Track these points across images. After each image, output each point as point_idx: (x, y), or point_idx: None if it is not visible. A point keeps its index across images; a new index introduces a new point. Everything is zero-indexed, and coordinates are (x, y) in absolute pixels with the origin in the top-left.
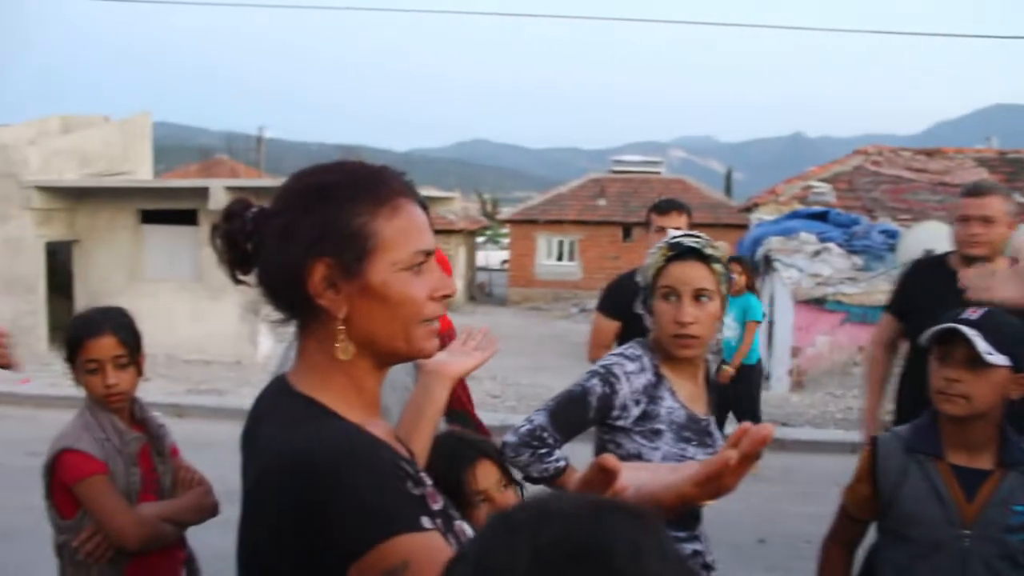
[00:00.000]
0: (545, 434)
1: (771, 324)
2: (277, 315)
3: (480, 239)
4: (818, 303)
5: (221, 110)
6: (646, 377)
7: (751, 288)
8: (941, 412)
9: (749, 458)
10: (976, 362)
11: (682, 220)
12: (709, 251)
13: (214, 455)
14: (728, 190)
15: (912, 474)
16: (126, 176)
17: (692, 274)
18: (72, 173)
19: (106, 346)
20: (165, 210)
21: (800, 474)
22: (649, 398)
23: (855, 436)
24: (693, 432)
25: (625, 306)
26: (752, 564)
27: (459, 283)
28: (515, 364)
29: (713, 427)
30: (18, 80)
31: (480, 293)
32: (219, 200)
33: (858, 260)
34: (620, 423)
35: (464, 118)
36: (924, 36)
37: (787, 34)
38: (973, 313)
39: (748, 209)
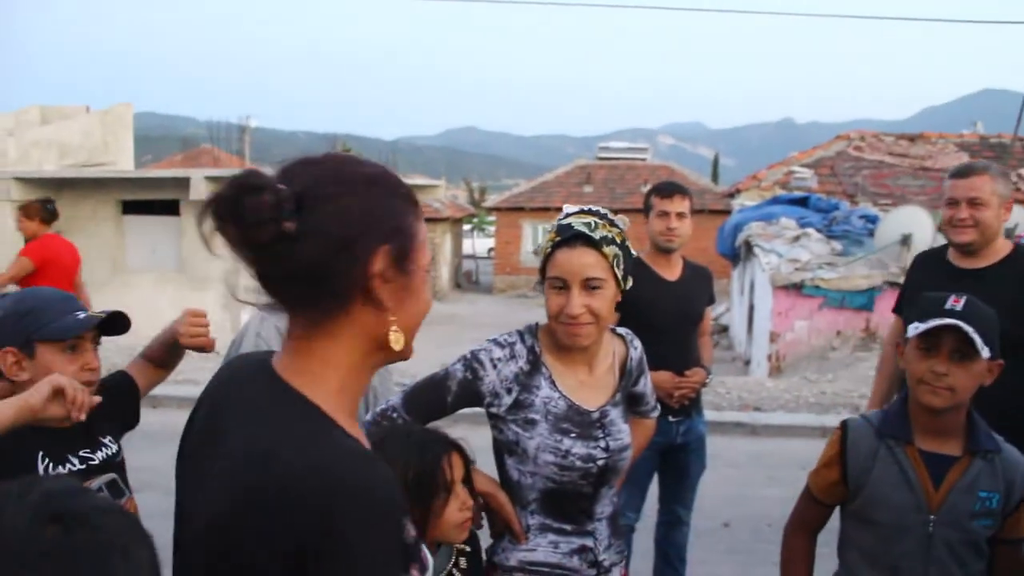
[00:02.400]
0: (395, 415)
1: (751, 309)
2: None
3: (467, 227)
4: (796, 288)
5: (208, 100)
6: (517, 365)
7: None
8: (923, 403)
9: None
10: (963, 355)
11: (684, 204)
12: (600, 234)
13: None
14: (715, 176)
15: (882, 459)
16: (106, 167)
17: (579, 262)
18: (51, 164)
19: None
20: (146, 201)
21: (770, 458)
22: (522, 386)
23: (827, 420)
24: (574, 424)
25: (626, 295)
26: (714, 547)
27: (445, 271)
28: None
29: (613, 419)
30: None
31: (466, 281)
32: (200, 191)
33: (837, 245)
34: (494, 410)
35: (453, 106)
36: (914, 21)
37: (777, 20)
38: (956, 303)
39: (731, 195)
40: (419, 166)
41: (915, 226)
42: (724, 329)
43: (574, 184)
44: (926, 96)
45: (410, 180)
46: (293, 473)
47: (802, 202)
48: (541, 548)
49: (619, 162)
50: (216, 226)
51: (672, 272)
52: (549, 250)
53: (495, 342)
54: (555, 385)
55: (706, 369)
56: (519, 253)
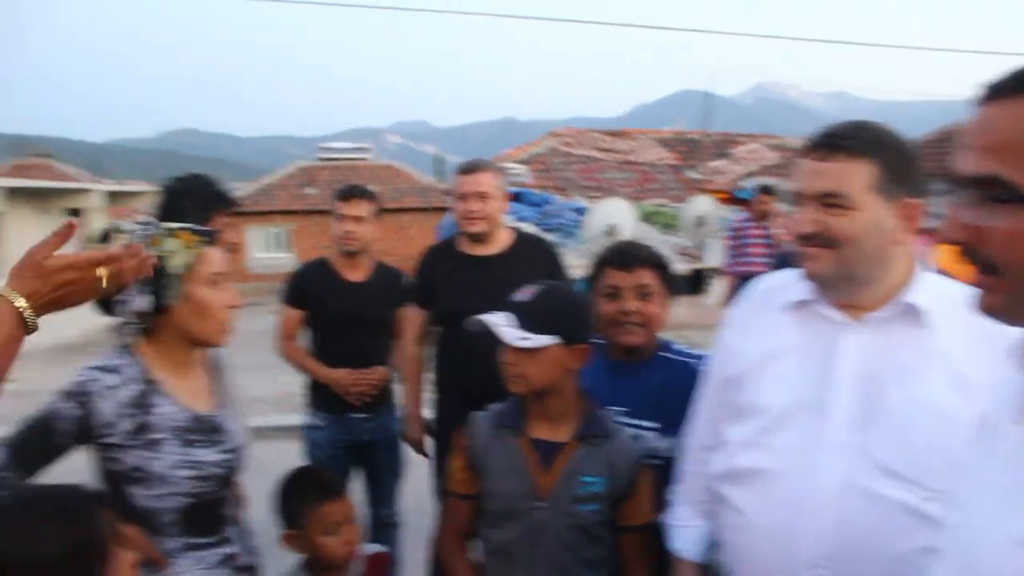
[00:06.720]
0: (3, 474)
1: None
2: None
3: None
4: None
5: None
6: (131, 389)
7: None
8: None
9: None
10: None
11: (363, 207)
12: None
13: None
14: (441, 174)
15: (496, 448)
16: None
17: None
18: None
19: None
20: None
21: None
22: (139, 408)
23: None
24: (198, 432)
25: (306, 294)
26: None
27: None
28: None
29: (225, 420)
30: None
31: None
32: None
33: (551, 237)
34: (110, 440)
35: (170, 106)
36: (625, 26)
37: (499, 21)
38: (524, 294)
39: (451, 193)
40: (135, 171)
41: (618, 216)
42: None
43: (296, 186)
44: (638, 94)
45: (121, 186)
46: None
47: (516, 197)
48: (188, 571)
49: (342, 163)
50: None
51: (356, 274)
52: None
53: (100, 369)
54: (172, 399)
55: (390, 367)
56: (245, 259)
